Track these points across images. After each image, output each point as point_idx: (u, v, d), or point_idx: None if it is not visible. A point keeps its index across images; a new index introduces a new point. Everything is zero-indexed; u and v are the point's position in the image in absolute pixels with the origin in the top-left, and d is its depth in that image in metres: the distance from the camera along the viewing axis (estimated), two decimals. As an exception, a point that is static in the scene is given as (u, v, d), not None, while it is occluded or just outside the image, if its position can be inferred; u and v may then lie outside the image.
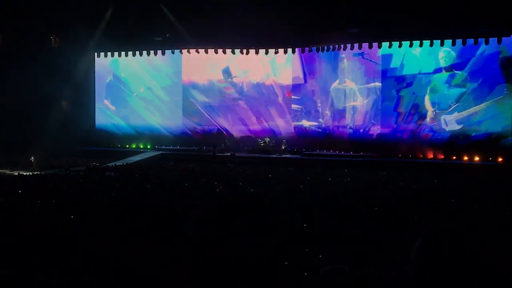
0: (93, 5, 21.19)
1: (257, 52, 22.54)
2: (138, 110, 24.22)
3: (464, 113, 19.28)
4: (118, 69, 24.41)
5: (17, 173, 15.71)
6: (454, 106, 19.46)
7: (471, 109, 19.15)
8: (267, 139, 22.16)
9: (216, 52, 23.05)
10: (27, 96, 21.23)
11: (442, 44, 19.60)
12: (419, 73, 20.15)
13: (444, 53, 19.74)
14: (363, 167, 18.12)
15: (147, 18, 21.07)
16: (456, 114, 19.43)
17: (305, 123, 22.67)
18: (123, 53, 23.89)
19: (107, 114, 24.50)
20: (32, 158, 18.22)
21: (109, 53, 24.12)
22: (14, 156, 18.84)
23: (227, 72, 23.41)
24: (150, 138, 23.73)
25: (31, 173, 15.54)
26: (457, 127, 19.47)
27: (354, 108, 21.52)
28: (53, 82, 21.81)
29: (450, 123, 19.56)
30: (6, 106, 21.39)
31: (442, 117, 19.75)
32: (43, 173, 15.51)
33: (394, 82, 20.64)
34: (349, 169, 17.40)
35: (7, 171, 16.47)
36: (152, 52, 23.50)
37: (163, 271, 5.83)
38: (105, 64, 24.39)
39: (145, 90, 24.18)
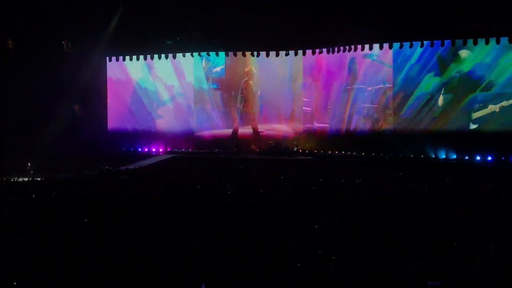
0: (104, 10, 21.35)
1: (267, 55, 22.56)
2: (152, 113, 24.27)
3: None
4: (132, 72, 24.46)
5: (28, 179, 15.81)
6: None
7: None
8: (279, 141, 22.19)
9: (227, 55, 23.09)
10: (38, 101, 21.38)
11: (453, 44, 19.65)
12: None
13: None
14: (375, 168, 18.18)
15: (158, 22, 21.17)
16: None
17: (316, 125, 22.65)
18: (134, 56, 23.99)
19: (119, 117, 24.54)
20: (29, 163, 18.32)
21: (120, 57, 24.19)
22: (23, 161, 18.94)
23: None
24: (163, 141, 23.76)
25: (40, 178, 15.60)
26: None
27: (365, 109, 21.50)
28: (65, 86, 22.03)
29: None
30: (16, 111, 21.52)
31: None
32: (58, 178, 15.58)
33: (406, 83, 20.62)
34: (361, 170, 17.40)
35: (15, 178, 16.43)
36: (163, 55, 23.56)
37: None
38: (117, 68, 24.46)
39: (159, 92, 24.20)
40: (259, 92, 23.38)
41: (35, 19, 21.05)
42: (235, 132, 23.60)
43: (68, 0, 20.51)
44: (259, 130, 23.42)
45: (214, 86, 23.96)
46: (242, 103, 23.60)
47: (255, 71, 23.28)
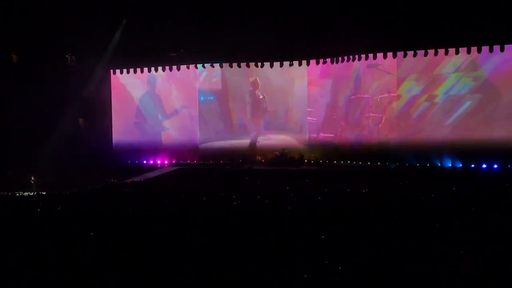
0: (108, 23, 21.42)
1: (271, 66, 22.56)
2: (157, 126, 24.26)
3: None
4: (136, 85, 24.48)
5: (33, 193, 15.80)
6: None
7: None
8: (284, 151, 22.14)
9: (231, 66, 23.07)
10: (42, 115, 21.39)
11: (457, 52, 19.61)
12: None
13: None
14: (380, 177, 18.15)
15: (162, 34, 21.23)
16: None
17: (321, 135, 22.61)
18: (138, 69, 24.02)
19: (124, 130, 24.52)
20: (32, 178, 18.33)
21: (124, 70, 24.22)
22: (27, 175, 18.94)
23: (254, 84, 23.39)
24: (168, 153, 23.74)
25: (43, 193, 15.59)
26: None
27: (370, 118, 21.45)
28: (69, 99, 22.08)
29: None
30: (20, 125, 21.54)
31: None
32: (63, 192, 15.55)
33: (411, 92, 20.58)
34: (367, 179, 17.35)
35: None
36: (167, 67, 23.60)
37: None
38: (121, 80, 24.47)
39: (164, 105, 24.21)
40: (264, 103, 23.34)
41: (39, 33, 21.12)
42: (241, 143, 23.52)
43: (71, 14, 20.56)
44: (264, 140, 23.37)
45: (211, 97, 23.93)
46: (248, 114, 23.57)
47: (259, 82, 23.28)
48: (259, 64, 22.67)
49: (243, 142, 23.58)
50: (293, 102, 23.13)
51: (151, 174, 20.66)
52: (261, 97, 23.39)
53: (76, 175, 19.97)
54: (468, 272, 6.05)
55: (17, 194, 15.71)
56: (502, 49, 18.74)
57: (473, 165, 19.28)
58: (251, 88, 23.41)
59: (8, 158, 20.96)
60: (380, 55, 20.80)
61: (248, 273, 6.25)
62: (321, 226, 8.66)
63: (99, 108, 23.97)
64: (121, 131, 24.52)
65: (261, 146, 23.34)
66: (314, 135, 22.81)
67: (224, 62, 23.05)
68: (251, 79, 23.35)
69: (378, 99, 21.22)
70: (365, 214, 9.92)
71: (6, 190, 16.37)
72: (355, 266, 6.33)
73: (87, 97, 22.84)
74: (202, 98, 23.90)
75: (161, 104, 24.28)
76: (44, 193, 15.59)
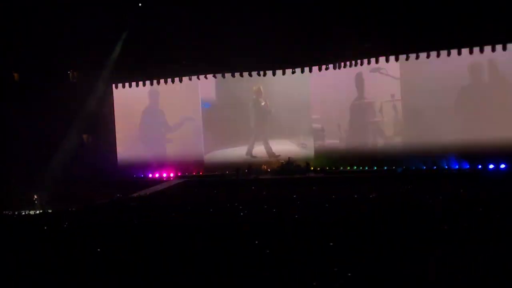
0: (108, 37, 21.49)
1: (274, 74, 22.52)
2: (160, 138, 24.24)
3: None
4: (139, 99, 24.48)
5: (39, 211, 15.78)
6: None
7: None
8: (289, 159, 22.07)
9: (233, 76, 23.03)
10: (45, 132, 21.40)
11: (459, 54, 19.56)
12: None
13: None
14: (388, 182, 18.06)
15: (162, 46, 21.26)
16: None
17: (326, 141, 22.53)
18: (140, 82, 24.04)
19: (128, 144, 24.50)
20: (35, 196, 18.32)
21: (127, 84, 24.23)
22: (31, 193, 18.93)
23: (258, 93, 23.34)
24: (173, 166, 23.69)
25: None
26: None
27: (374, 123, 21.39)
28: (72, 116, 22.10)
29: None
30: (23, 143, 21.53)
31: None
32: (69, 208, 15.52)
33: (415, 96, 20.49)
34: (374, 184, 17.26)
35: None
36: (169, 80, 23.60)
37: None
38: (124, 95, 24.46)
39: (167, 116, 24.20)
40: (268, 111, 23.28)
41: (39, 50, 21.16)
42: (245, 153, 23.49)
43: (71, 30, 20.62)
44: (269, 149, 23.32)
45: (207, 106, 23.90)
46: (252, 122, 23.53)
47: (262, 90, 23.24)
48: (261, 73, 22.60)
49: (249, 151, 23.51)
50: (297, 109, 23.03)
51: (156, 188, 20.61)
52: (263, 103, 23.32)
53: (82, 192, 19.92)
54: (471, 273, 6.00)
55: (23, 213, 15.67)
56: (504, 49, 18.66)
57: (480, 166, 19.15)
58: (255, 96, 23.37)
59: (11, 176, 20.93)
60: (382, 59, 20.73)
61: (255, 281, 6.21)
62: (329, 232, 8.59)
63: (103, 123, 23.98)
64: (125, 145, 24.52)
65: (266, 155, 23.27)
66: (320, 142, 22.72)
67: (226, 72, 22.99)
68: (254, 88, 23.31)
69: (382, 104, 21.15)
70: (373, 220, 9.83)
71: (8, 209, 16.32)
72: (363, 271, 6.26)
73: (90, 113, 22.82)
74: (204, 107, 23.82)
75: (164, 116, 24.26)
76: (50, 210, 15.56)
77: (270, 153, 23.23)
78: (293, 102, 23.08)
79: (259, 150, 23.43)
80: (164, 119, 24.27)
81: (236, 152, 23.53)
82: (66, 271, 7.21)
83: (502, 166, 18.64)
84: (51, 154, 21.81)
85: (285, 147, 23.02)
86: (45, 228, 11.52)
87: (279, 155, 22.84)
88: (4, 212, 16.26)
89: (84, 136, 23.51)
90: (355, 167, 21.52)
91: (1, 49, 21.07)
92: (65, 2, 19.81)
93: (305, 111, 22.95)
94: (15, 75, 22.23)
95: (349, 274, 6.09)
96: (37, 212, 15.89)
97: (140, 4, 20.97)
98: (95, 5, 20.01)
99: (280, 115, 23.13)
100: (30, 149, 21.64)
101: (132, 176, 23.83)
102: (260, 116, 23.44)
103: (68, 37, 20.80)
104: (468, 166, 19.41)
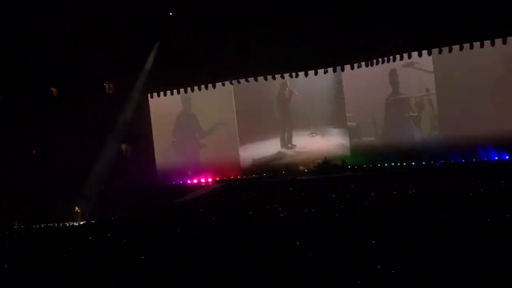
0: (141, 47, 21.78)
1: (306, 75, 22.47)
2: (196, 144, 24.38)
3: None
4: (173, 106, 24.70)
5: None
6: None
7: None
8: (326, 158, 22.04)
9: (265, 78, 23.06)
10: (84, 144, 21.77)
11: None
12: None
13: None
14: (427, 177, 17.90)
15: (194, 54, 21.40)
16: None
17: (362, 139, 22.42)
18: (174, 90, 24.26)
19: (165, 152, 24.71)
20: (76, 208, 18.64)
21: (161, 93, 24.46)
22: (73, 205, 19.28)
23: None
24: (211, 170, 23.80)
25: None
26: None
27: (410, 118, 21.24)
28: (110, 127, 22.42)
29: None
30: (63, 157, 21.92)
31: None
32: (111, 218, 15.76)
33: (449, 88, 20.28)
34: (413, 180, 17.15)
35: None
36: (202, 86, 23.73)
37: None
38: (159, 103, 24.69)
39: (201, 122, 24.35)
40: (301, 110, 23.28)
41: (75, 64, 21.54)
42: (281, 154, 23.48)
43: (105, 42, 20.94)
44: (304, 148, 23.27)
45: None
46: (285, 123, 23.56)
47: (294, 89, 23.24)
48: (294, 74, 22.59)
49: (283, 151, 23.55)
50: (331, 107, 22.97)
51: (195, 193, 20.76)
52: (296, 103, 23.30)
53: (122, 201, 20.18)
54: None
55: (67, 225, 15.98)
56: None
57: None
58: (287, 96, 23.35)
59: (53, 189, 21.35)
60: (414, 53, 20.56)
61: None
62: (371, 231, 8.57)
63: (140, 132, 24.20)
64: (163, 153, 24.70)
65: (302, 154, 23.24)
66: (356, 140, 22.60)
67: (258, 76, 23.03)
68: (287, 88, 23.31)
69: (417, 98, 21.00)
70: (414, 216, 9.80)
71: (52, 222, 16.67)
72: (408, 270, 6.25)
73: (127, 123, 23.08)
74: (248, 112, 23.91)
75: (198, 122, 24.44)
76: (92, 221, 15.83)
77: (305, 153, 23.15)
78: (327, 100, 23.02)
79: (295, 151, 23.38)
80: (198, 125, 24.41)
81: (271, 154, 23.55)
82: (112, 278, 7.36)
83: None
84: (90, 165, 22.14)
85: (320, 146, 22.93)
86: (90, 238, 11.73)
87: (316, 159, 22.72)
88: (49, 224, 16.62)
89: (123, 146, 23.81)
90: (393, 164, 21.35)
91: (40, 64, 21.52)
92: (100, 16, 20.09)
93: (339, 108, 22.84)
94: (53, 89, 22.65)
95: (393, 272, 6.10)
96: (80, 223, 16.18)
97: (171, 14, 21.14)
98: (128, 17, 20.26)
99: (314, 113, 23.08)
100: (70, 162, 22.02)
101: (171, 183, 24.01)
102: (293, 116, 23.41)
103: (102, 49, 21.11)
104: (507, 157, 19.13)
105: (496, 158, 19.33)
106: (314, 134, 22.82)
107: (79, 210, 19.06)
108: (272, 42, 20.23)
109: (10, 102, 22.24)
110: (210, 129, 24.26)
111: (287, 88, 23.37)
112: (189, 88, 24.04)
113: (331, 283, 6.15)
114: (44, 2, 19.60)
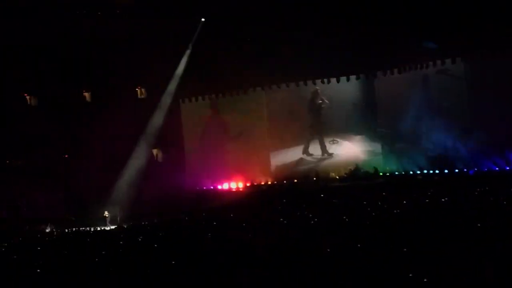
0: (174, 53, 21.94)
1: (338, 81, 22.38)
2: (225, 149, 24.37)
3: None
4: (203, 111, 24.80)
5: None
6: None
7: None
8: (357, 165, 21.94)
9: (297, 85, 23.02)
10: (117, 149, 21.97)
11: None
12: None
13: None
14: (457, 185, 17.72)
15: (225, 61, 21.45)
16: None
17: (394, 145, 22.23)
18: (206, 96, 24.37)
19: (196, 157, 24.77)
20: (106, 213, 18.80)
21: (193, 98, 24.57)
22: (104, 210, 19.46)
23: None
24: (241, 176, 23.79)
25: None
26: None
27: (442, 125, 21.01)
28: (142, 132, 22.59)
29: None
30: (96, 162, 22.14)
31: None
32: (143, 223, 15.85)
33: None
34: (446, 188, 16.99)
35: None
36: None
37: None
38: (190, 108, 24.80)
39: (230, 127, 24.42)
40: (332, 116, 23.18)
41: (108, 69, 21.78)
42: (312, 161, 23.41)
43: (138, 47, 21.14)
44: (336, 155, 23.16)
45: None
46: (317, 128, 23.47)
47: (326, 94, 23.13)
48: (325, 80, 22.53)
49: (314, 158, 23.47)
50: (360, 114, 22.82)
51: (225, 199, 20.78)
52: (328, 109, 23.12)
53: (153, 207, 20.29)
54: None
55: (99, 229, 16.14)
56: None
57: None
58: (319, 101, 23.18)
59: (85, 194, 21.58)
60: (448, 60, 20.36)
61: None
62: (403, 238, 8.52)
63: (172, 137, 24.31)
64: (194, 158, 24.76)
65: (333, 161, 23.12)
66: (387, 147, 22.42)
67: (290, 82, 23.01)
68: (318, 94, 23.18)
69: (450, 105, 20.76)
70: (447, 224, 9.70)
71: (84, 226, 16.87)
72: (441, 276, 6.21)
73: (158, 128, 23.21)
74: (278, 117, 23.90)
75: (228, 127, 24.51)
76: (125, 226, 15.95)
77: (337, 160, 23.04)
78: (358, 107, 22.87)
79: (326, 157, 23.28)
80: (226, 130, 24.46)
81: (302, 160, 23.49)
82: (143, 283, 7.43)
83: None
84: (122, 170, 22.32)
85: (351, 152, 22.82)
86: (121, 243, 11.82)
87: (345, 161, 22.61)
88: (81, 228, 16.81)
89: (154, 151, 23.94)
90: (425, 171, 21.14)
91: (73, 69, 21.81)
92: (131, 22, 20.29)
93: (370, 115, 22.69)
94: (86, 94, 22.91)
95: (425, 280, 6.06)
96: (111, 227, 16.32)
97: (203, 19, 21.28)
98: (160, 23, 20.43)
99: (344, 120, 22.98)
100: (102, 167, 22.25)
101: (202, 188, 24.07)
102: (324, 123, 23.30)
103: (134, 54, 21.30)
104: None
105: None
106: (335, 141, 22.70)
107: (108, 215, 19.21)
108: (305, 48, 20.24)
109: (45, 107, 22.54)
110: (237, 134, 24.22)
111: (318, 95, 23.24)
112: (220, 94, 24.11)
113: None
114: (80, 9, 19.89)
